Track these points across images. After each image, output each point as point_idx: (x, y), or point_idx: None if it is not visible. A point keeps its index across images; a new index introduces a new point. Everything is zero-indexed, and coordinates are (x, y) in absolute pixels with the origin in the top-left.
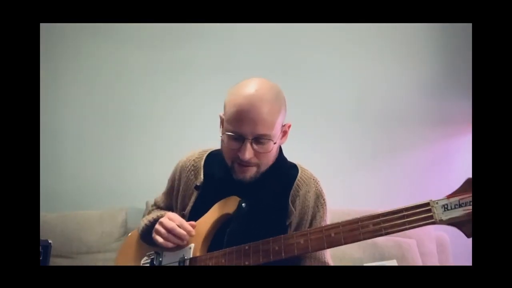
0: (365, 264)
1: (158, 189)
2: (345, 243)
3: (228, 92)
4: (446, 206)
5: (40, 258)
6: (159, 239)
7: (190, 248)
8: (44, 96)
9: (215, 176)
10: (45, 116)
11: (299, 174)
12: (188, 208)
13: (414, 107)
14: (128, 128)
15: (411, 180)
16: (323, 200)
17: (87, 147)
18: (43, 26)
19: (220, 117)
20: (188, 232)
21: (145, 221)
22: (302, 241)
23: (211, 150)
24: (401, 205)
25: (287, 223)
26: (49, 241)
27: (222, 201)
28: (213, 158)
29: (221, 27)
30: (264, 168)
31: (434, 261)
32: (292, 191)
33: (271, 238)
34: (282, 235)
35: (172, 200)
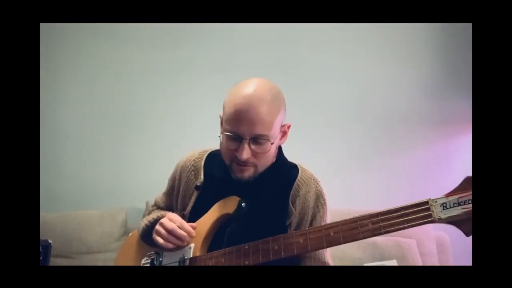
0: (365, 264)
1: (158, 189)
2: (344, 242)
3: (227, 92)
4: (445, 205)
5: (40, 258)
6: (160, 240)
7: (190, 248)
8: (44, 96)
9: (215, 176)
10: (45, 116)
11: (299, 174)
12: (189, 208)
13: (414, 107)
14: (128, 128)
15: (411, 180)
16: (323, 200)
17: (87, 147)
18: (43, 26)
19: (220, 117)
20: (189, 233)
21: (145, 221)
22: (301, 240)
23: (211, 150)
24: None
25: (287, 223)
26: (49, 241)
27: (222, 201)
28: (213, 158)
29: (221, 27)
30: (261, 168)
31: (434, 261)
32: (292, 191)
33: (270, 238)
34: (281, 235)
35: (172, 200)
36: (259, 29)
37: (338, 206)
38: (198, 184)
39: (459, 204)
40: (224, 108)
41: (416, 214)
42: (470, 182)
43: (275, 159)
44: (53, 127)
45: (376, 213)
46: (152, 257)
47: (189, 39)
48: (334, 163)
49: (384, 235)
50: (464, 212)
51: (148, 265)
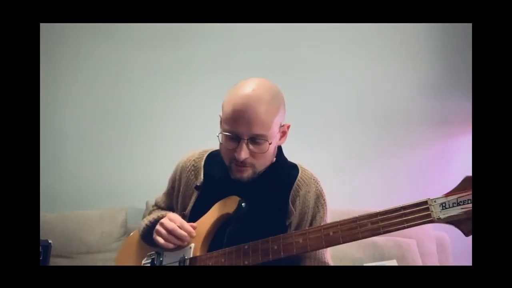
0: (365, 264)
1: (158, 189)
2: (344, 242)
3: (227, 92)
4: (444, 205)
5: (40, 258)
6: (160, 240)
7: (190, 248)
8: (44, 96)
9: (215, 176)
10: (45, 116)
11: (299, 174)
12: (189, 208)
13: (414, 107)
14: (128, 128)
15: (411, 180)
16: (324, 200)
17: (87, 147)
18: (43, 26)
19: (220, 117)
20: (189, 233)
21: (145, 221)
22: (300, 240)
23: (211, 150)
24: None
25: (287, 223)
26: (49, 241)
27: (222, 201)
28: (213, 158)
29: (221, 27)
30: (260, 168)
31: (434, 261)
32: (292, 191)
33: (270, 238)
34: (281, 235)
35: (172, 200)
36: (259, 29)
37: (338, 206)
38: (198, 184)
39: (458, 204)
40: (223, 108)
41: (415, 214)
42: (470, 181)
43: (275, 159)
44: (53, 127)
45: (375, 213)
46: (153, 257)
47: (189, 39)
48: (334, 163)
49: (384, 235)
50: (464, 212)
51: (149, 265)
